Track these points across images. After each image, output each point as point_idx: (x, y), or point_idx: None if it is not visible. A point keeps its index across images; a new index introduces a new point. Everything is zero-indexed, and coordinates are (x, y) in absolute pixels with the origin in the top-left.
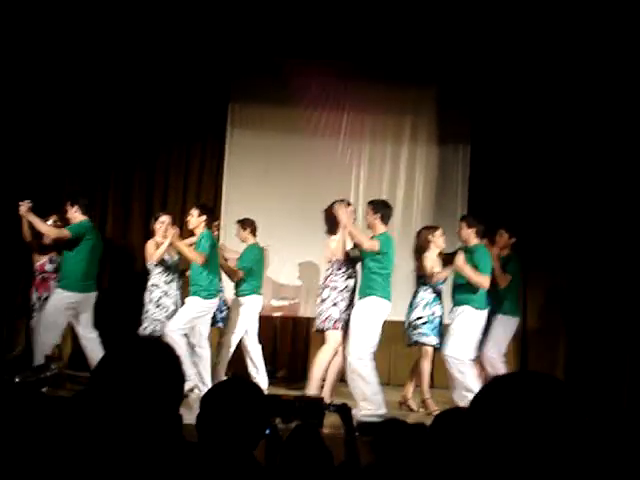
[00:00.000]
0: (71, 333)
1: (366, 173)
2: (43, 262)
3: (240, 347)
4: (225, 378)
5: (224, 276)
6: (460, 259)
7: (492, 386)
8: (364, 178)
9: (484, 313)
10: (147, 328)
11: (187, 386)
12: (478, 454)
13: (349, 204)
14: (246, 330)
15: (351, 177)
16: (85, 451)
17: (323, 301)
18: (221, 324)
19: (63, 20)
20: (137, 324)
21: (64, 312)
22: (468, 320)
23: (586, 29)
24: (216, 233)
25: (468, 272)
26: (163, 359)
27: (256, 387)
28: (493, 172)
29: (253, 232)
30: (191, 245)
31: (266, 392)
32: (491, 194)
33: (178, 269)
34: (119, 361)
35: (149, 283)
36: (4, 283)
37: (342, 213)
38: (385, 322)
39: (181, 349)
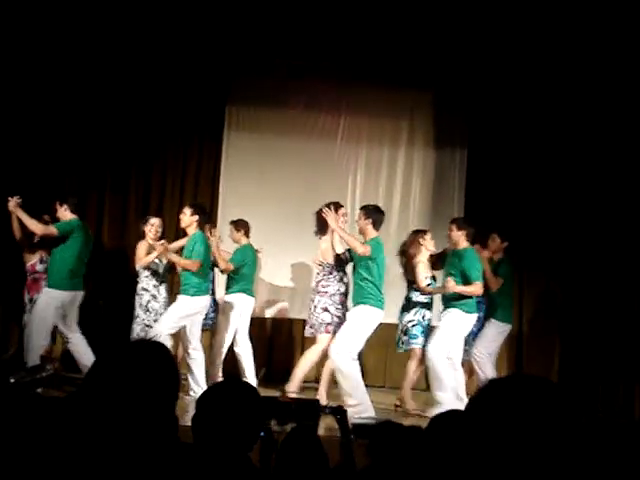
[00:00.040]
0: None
1: (363, 177)
2: (34, 262)
3: (232, 348)
4: (221, 379)
5: (216, 276)
6: (450, 284)
7: (487, 389)
8: (361, 182)
9: (473, 317)
10: (138, 334)
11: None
12: (474, 457)
13: (340, 207)
14: (236, 329)
15: (348, 181)
16: (81, 452)
17: (314, 308)
18: (210, 323)
19: (61, 21)
20: (131, 327)
21: (54, 312)
22: (454, 321)
23: (583, 33)
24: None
25: (461, 290)
26: (158, 360)
27: (252, 389)
28: (490, 176)
29: (247, 234)
30: (181, 249)
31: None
32: (487, 198)
33: (167, 275)
34: (114, 362)
35: (139, 287)
36: None
37: (331, 219)
38: (380, 325)
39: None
